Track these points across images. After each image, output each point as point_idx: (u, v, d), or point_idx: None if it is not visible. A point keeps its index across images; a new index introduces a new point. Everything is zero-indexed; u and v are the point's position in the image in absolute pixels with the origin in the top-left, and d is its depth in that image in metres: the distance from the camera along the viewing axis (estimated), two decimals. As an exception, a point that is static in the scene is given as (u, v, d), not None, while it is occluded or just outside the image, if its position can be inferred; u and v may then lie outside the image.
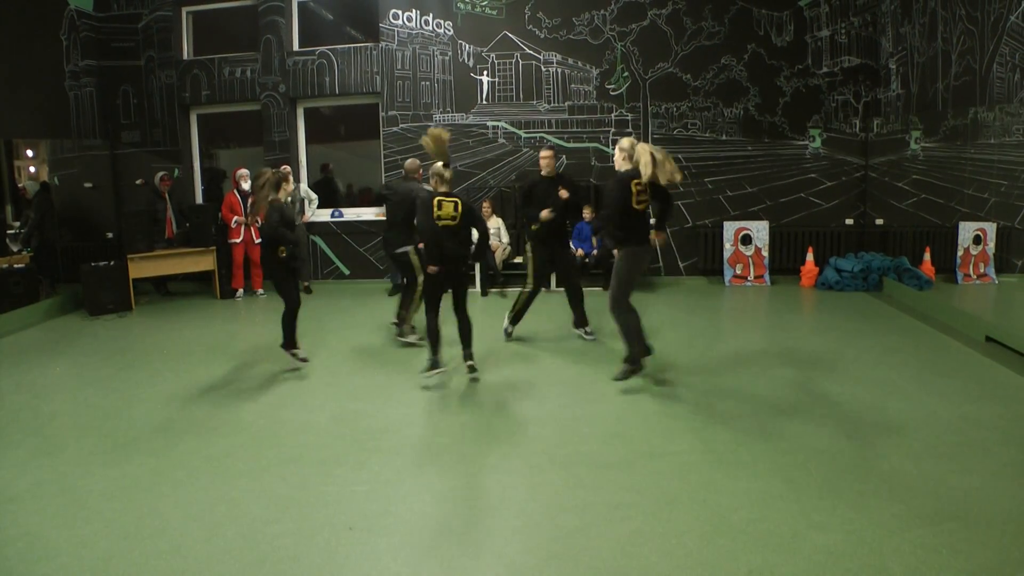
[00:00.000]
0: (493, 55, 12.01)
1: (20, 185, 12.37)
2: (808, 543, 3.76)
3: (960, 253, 10.55)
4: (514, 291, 11.12)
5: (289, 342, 7.28)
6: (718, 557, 3.67)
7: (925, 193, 10.86)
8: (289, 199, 7.42)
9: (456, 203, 6.52)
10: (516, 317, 8.24)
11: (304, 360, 7.33)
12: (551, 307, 9.79)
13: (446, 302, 6.71)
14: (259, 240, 7.04)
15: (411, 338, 8.11)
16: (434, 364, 6.68)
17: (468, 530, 4.04)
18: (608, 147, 11.91)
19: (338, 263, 12.61)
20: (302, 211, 11.69)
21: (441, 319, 6.68)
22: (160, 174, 11.60)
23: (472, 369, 6.76)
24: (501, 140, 12.13)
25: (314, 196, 12.09)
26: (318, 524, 4.13)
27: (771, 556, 3.65)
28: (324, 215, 12.50)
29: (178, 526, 4.16)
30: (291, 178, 7.78)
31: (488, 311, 9.82)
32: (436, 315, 6.67)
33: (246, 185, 11.28)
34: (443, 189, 6.58)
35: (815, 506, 4.15)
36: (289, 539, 3.98)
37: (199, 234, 11.22)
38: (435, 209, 6.47)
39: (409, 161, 8.44)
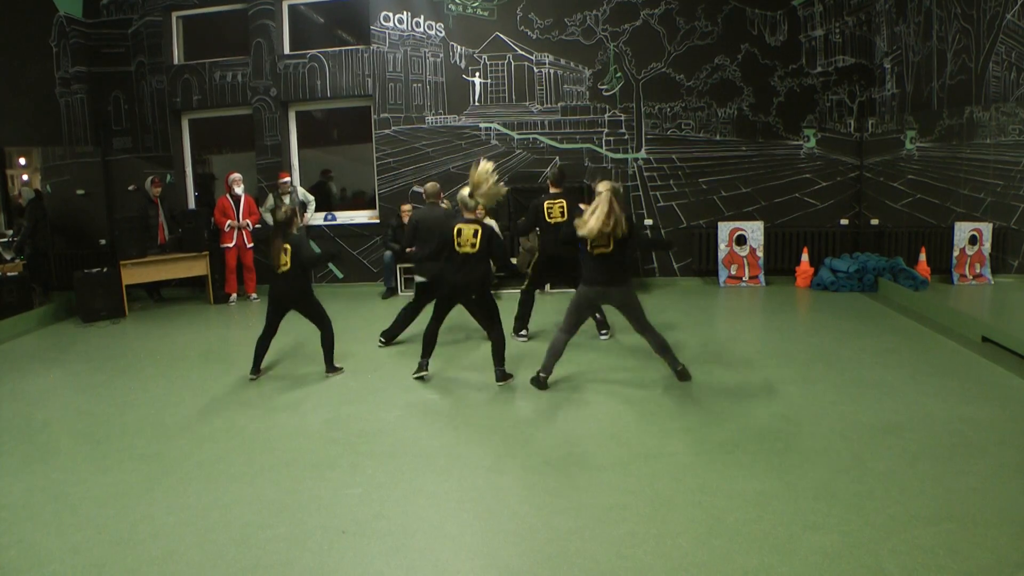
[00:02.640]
0: (485, 56, 11.99)
1: (16, 192, 12.31)
2: (804, 544, 3.74)
3: (956, 253, 10.54)
4: (507, 293, 11.12)
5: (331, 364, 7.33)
6: (714, 559, 3.65)
7: (920, 193, 10.86)
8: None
9: (476, 229, 6.59)
10: (519, 323, 8.36)
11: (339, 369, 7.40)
12: (547, 308, 9.77)
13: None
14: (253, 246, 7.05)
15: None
16: (421, 366, 6.92)
17: (462, 533, 4.02)
18: (602, 147, 11.89)
19: (332, 267, 12.57)
20: (300, 215, 11.65)
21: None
22: (150, 176, 11.57)
23: (503, 379, 6.82)
24: (494, 142, 12.10)
25: (311, 198, 12.04)
26: (311, 528, 4.12)
27: (767, 557, 3.63)
28: (318, 218, 12.47)
29: (171, 532, 4.14)
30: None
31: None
32: (438, 325, 6.90)
33: (239, 189, 11.26)
34: (467, 216, 6.68)
35: (811, 507, 4.14)
36: (282, 543, 3.96)
37: (192, 239, 11.17)
38: (455, 236, 6.58)
39: (429, 185, 8.43)
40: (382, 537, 4.00)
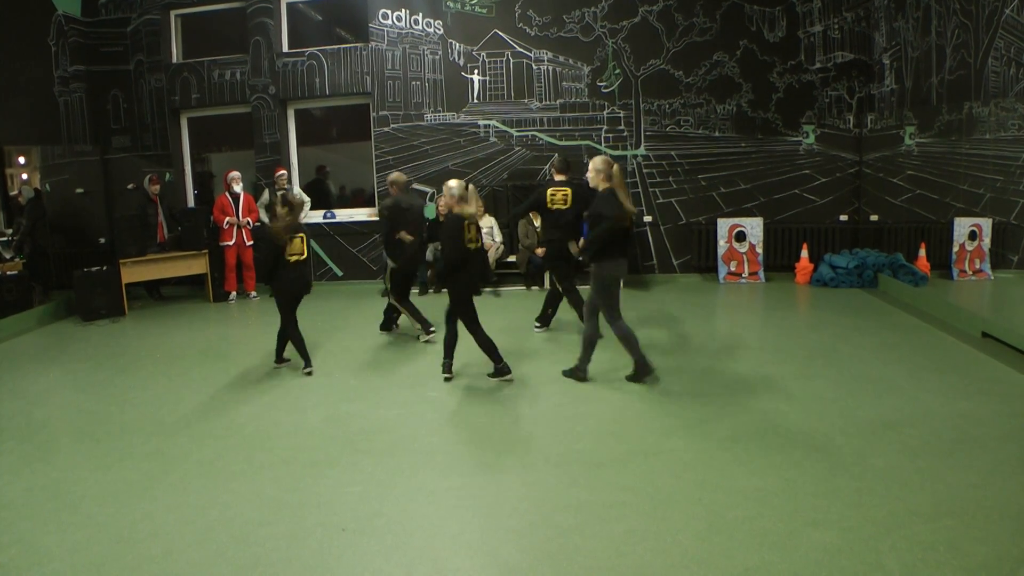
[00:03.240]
0: (483, 54, 11.98)
1: (17, 191, 12.32)
2: (804, 540, 3.74)
3: (955, 249, 10.55)
4: (507, 290, 11.13)
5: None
6: (714, 555, 3.65)
7: (920, 189, 10.86)
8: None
9: (478, 225, 6.59)
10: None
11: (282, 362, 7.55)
12: (539, 304, 9.78)
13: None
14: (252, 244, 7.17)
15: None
16: (502, 371, 6.69)
17: (462, 530, 4.02)
18: (601, 144, 11.88)
19: (331, 264, 12.57)
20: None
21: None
22: (148, 175, 11.58)
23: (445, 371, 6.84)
24: (493, 139, 12.09)
25: (306, 199, 12.02)
26: (311, 526, 4.12)
27: (767, 554, 3.63)
28: (317, 216, 12.46)
29: (171, 529, 4.14)
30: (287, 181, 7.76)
31: (481, 309, 9.79)
32: (479, 327, 6.74)
33: (238, 188, 11.27)
34: (470, 211, 6.52)
35: (811, 503, 4.14)
36: (282, 541, 3.96)
37: (191, 237, 11.17)
38: (465, 232, 6.47)
39: (397, 174, 8.55)
40: (382, 535, 4.00)
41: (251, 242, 11.39)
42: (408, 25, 12.01)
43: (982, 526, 3.82)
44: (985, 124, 9.74)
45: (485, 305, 10.04)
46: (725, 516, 4.04)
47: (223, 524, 4.18)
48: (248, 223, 11.32)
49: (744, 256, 11.64)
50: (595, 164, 6.34)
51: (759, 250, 11.63)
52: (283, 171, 11.65)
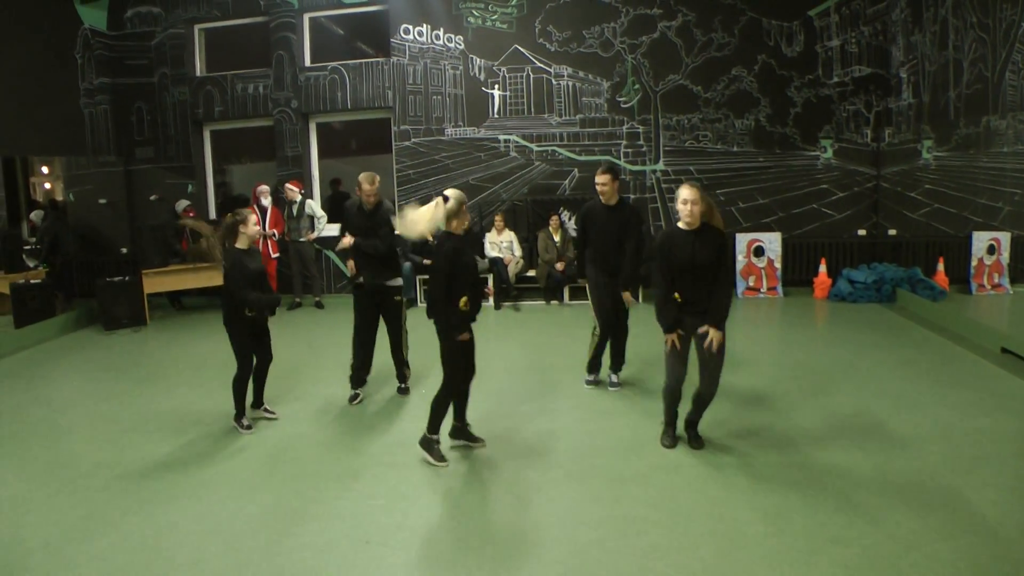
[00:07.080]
0: (504, 69, 12.06)
1: (30, 216, 12.48)
2: (825, 558, 3.76)
3: (974, 263, 10.53)
4: (526, 304, 11.16)
5: (241, 410, 6.15)
6: (734, 571, 3.67)
7: (938, 203, 10.85)
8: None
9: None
10: (592, 365, 7.01)
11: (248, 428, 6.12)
12: (565, 319, 9.81)
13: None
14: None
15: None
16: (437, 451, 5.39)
17: (484, 544, 4.06)
18: (620, 159, 11.92)
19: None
20: (311, 228, 11.69)
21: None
22: (184, 204, 11.76)
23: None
24: (513, 154, 12.15)
25: (322, 214, 12.04)
26: (335, 538, 4.17)
27: (787, 571, 3.65)
28: (335, 230, 12.50)
29: (196, 539, 4.20)
30: (251, 221, 6.51)
31: (502, 323, 9.85)
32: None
33: (266, 201, 11.36)
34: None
35: (831, 520, 4.15)
36: (307, 552, 4.01)
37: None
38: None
39: (369, 176, 6.89)
40: (405, 548, 4.04)
41: (276, 254, 11.49)
42: (429, 40, 12.11)
43: (1004, 544, 3.82)
44: (1003, 137, 9.74)
45: (505, 320, 10.13)
46: (746, 532, 4.06)
47: (249, 535, 4.24)
48: (274, 234, 11.40)
49: (762, 271, 11.64)
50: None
51: (777, 265, 11.63)
52: (291, 184, 11.70)
